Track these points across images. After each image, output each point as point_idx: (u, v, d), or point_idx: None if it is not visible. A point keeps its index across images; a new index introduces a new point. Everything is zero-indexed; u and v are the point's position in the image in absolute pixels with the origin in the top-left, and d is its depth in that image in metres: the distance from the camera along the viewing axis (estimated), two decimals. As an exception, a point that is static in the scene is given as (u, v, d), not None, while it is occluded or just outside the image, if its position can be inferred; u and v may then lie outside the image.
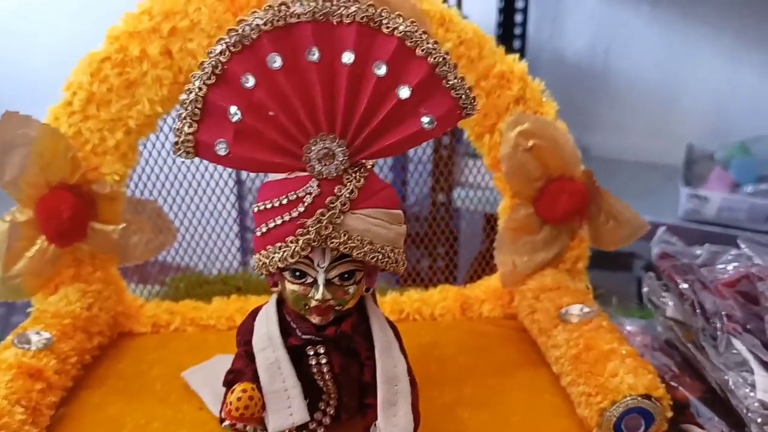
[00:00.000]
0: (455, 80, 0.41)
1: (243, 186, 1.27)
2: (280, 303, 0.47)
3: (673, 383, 0.58)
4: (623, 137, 1.46)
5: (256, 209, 0.43)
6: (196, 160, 0.72)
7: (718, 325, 0.57)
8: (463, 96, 0.42)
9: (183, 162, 0.82)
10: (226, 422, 0.43)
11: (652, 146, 1.43)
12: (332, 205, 0.41)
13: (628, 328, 0.68)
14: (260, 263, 0.44)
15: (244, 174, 1.18)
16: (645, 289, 0.65)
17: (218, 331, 0.68)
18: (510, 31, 1.47)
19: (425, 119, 0.42)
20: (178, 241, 0.82)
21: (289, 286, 0.44)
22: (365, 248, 0.42)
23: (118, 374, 0.60)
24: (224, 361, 0.53)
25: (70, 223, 0.60)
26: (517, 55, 0.64)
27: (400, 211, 0.44)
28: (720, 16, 1.34)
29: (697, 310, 0.59)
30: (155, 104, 0.61)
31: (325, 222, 0.41)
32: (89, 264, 0.64)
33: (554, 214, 0.64)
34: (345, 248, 0.42)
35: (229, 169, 0.88)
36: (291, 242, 0.42)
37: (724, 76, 1.36)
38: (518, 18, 1.45)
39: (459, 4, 1.35)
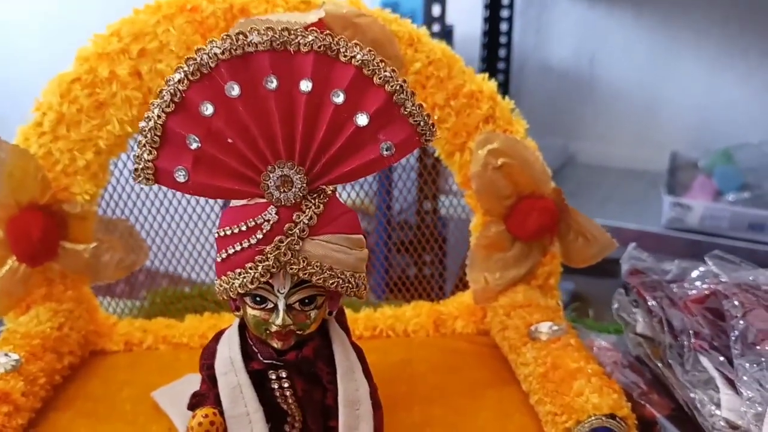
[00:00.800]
0: (413, 107, 0.42)
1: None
2: (243, 327, 0.47)
3: (641, 401, 0.58)
4: (608, 144, 1.47)
5: (217, 235, 0.44)
6: None
7: (686, 343, 0.57)
8: (422, 123, 0.42)
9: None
10: (189, 448, 0.43)
11: (637, 153, 1.44)
12: (290, 232, 0.41)
13: (602, 343, 0.68)
14: (221, 288, 0.44)
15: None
16: (615, 306, 0.65)
17: (191, 349, 0.68)
18: (495, 40, 1.48)
19: (384, 146, 0.42)
20: (165, 247, 0.82)
21: (250, 312, 0.44)
22: (325, 274, 0.42)
23: (87, 395, 0.60)
24: (194, 381, 0.53)
25: (41, 243, 0.60)
26: (486, 75, 0.65)
27: (360, 236, 0.45)
28: (703, 25, 1.35)
29: (665, 327, 0.59)
30: (125, 124, 0.61)
31: (283, 249, 0.41)
32: (60, 283, 0.64)
33: (525, 232, 0.64)
34: (304, 274, 0.42)
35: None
36: (250, 268, 0.42)
37: (706, 84, 1.37)
38: (504, 27, 1.46)
39: (443, 14, 1.35)
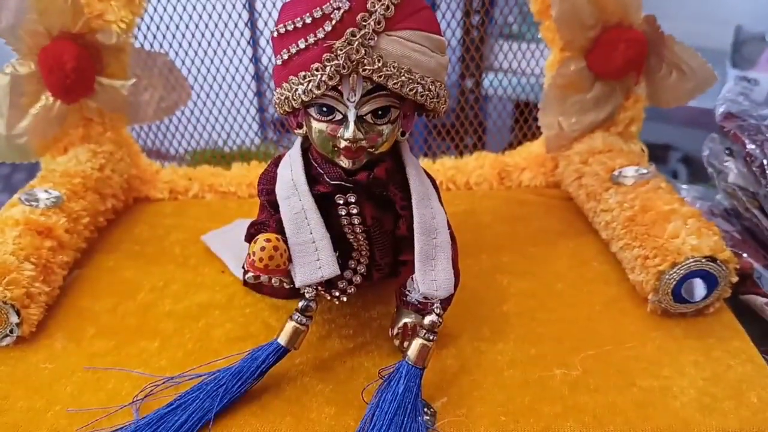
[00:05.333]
0: None
1: (259, 65, 1.20)
2: (306, 148, 0.42)
3: (735, 251, 0.53)
4: (668, 20, 1.36)
5: (275, 33, 0.38)
6: (213, 41, 0.63)
7: (790, 188, 0.51)
8: None
9: (198, 47, 0.74)
10: (250, 274, 0.39)
11: (698, 29, 1.33)
12: (364, 23, 0.35)
13: (683, 195, 0.62)
14: (282, 98, 0.38)
15: (260, 51, 1.11)
16: (705, 153, 0.59)
17: (239, 198, 0.64)
18: None
19: None
20: (195, 119, 0.77)
21: (316, 125, 0.38)
22: (402, 78, 0.36)
23: (133, 239, 0.57)
24: (246, 225, 0.49)
25: (75, 74, 0.55)
26: None
27: (442, 38, 0.38)
28: None
29: (767, 172, 0.53)
30: (161, -61, 0.54)
31: (356, 44, 0.35)
32: (99, 124, 0.60)
33: (609, 68, 0.57)
34: (379, 77, 0.36)
35: (245, 46, 0.81)
36: (317, 70, 0.36)
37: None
38: None
39: None
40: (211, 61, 0.77)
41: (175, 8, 0.67)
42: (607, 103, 0.59)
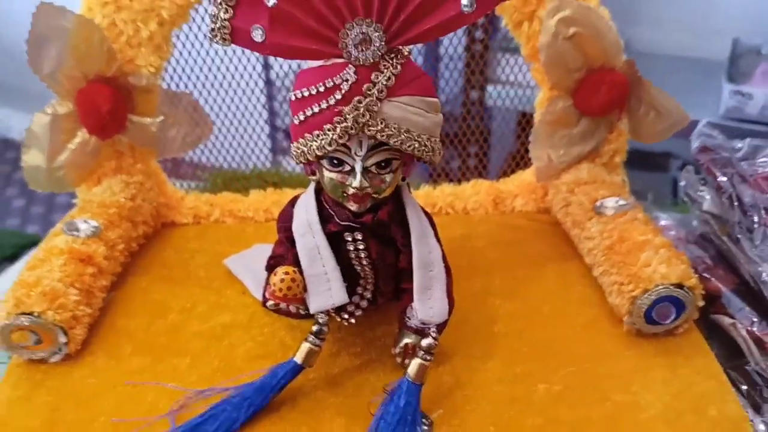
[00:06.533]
0: (496, -40, 0.40)
1: (273, 86, 1.27)
2: (319, 192, 0.48)
3: (705, 275, 0.58)
4: (665, 30, 1.40)
5: (293, 97, 0.43)
6: (226, 59, 0.71)
7: (755, 218, 0.56)
8: (504, -24, 0.40)
9: (212, 64, 0.80)
10: (270, 302, 0.45)
11: (695, 40, 1.37)
12: (369, 92, 0.41)
13: (663, 222, 0.68)
14: (298, 151, 0.44)
15: (273, 74, 1.17)
16: (682, 183, 0.64)
17: (256, 222, 0.70)
18: None
19: (464, 1, 0.40)
20: (211, 140, 0.83)
21: (327, 174, 0.44)
22: (402, 136, 0.42)
23: (162, 262, 0.63)
24: (264, 250, 0.55)
25: (110, 115, 0.61)
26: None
27: (436, 99, 0.44)
28: None
29: (735, 203, 0.58)
30: (187, -7, 0.60)
31: (362, 109, 0.41)
32: (130, 156, 0.66)
33: (593, 107, 0.62)
34: (382, 136, 0.42)
35: (259, 69, 0.88)
36: (328, 130, 0.42)
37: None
38: None
39: None
40: (231, 98, 0.83)
41: (199, 53, 0.73)
42: (593, 138, 0.65)
